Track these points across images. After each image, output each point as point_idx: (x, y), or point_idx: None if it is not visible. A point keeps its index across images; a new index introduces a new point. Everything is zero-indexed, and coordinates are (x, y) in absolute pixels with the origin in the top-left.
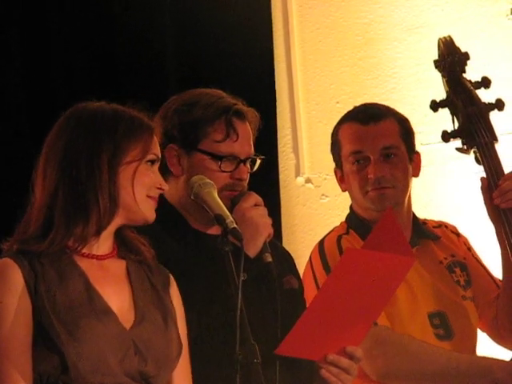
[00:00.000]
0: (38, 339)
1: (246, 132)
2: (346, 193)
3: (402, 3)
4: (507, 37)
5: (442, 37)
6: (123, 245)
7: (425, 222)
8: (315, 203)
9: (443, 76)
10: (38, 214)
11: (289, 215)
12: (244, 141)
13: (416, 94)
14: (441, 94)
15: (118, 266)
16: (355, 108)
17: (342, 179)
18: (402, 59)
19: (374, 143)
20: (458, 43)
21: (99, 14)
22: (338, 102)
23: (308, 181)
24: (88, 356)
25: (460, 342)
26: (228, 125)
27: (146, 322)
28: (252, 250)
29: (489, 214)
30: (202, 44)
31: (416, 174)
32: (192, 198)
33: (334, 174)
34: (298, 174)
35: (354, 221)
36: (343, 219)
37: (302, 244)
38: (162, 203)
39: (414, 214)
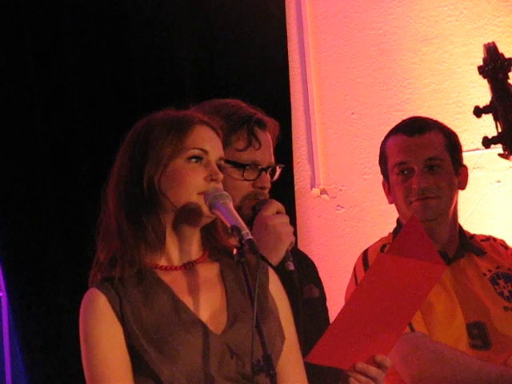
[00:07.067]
0: (135, 363)
1: (267, 141)
2: (362, 204)
3: (417, 14)
4: None
5: (485, 43)
6: (216, 247)
7: (473, 236)
8: (331, 214)
9: (488, 82)
10: (103, 240)
11: (304, 226)
12: (265, 149)
13: (431, 104)
14: (455, 103)
15: (210, 270)
16: (403, 121)
17: (388, 192)
18: (417, 70)
19: (418, 154)
20: (474, 54)
21: (113, 16)
22: (353, 113)
23: (323, 192)
24: (182, 371)
25: (497, 352)
26: (250, 134)
27: (239, 323)
28: (274, 259)
29: None
30: (218, 56)
31: (462, 187)
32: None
33: (349, 184)
34: (313, 185)
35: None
36: (359, 230)
37: (317, 255)
38: None
39: (460, 227)
